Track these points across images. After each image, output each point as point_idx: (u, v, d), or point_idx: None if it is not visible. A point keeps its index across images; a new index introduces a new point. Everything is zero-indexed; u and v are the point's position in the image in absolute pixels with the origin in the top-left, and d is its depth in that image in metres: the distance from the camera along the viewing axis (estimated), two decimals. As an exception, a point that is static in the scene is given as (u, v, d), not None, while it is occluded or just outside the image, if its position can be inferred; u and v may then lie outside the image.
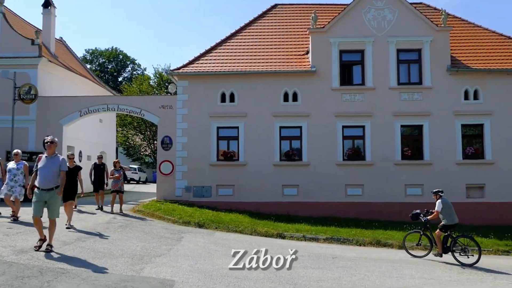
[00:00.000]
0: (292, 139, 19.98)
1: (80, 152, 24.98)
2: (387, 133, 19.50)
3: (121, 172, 16.27)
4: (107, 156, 28.46)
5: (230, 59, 21.07)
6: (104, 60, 71.81)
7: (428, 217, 12.15)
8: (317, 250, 12.11)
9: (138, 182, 42.65)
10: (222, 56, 21.36)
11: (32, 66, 21.88)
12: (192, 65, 20.75)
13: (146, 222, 14.49)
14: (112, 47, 71.85)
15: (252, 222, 15.65)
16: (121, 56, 72.67)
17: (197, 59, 21.15)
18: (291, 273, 8.77)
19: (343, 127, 19.73)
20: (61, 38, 32.14)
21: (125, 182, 41.18)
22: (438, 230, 11.82)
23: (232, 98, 20.15)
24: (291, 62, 20.67)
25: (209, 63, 20.85)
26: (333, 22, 20.01)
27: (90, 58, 71.54)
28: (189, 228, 14.24)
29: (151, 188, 28.56)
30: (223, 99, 20.17)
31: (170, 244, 10.89)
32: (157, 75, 51.60)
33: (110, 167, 17.32)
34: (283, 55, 21.21)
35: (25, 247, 9.15)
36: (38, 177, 8.87)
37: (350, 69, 20.37)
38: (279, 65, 20.39)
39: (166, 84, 42.11)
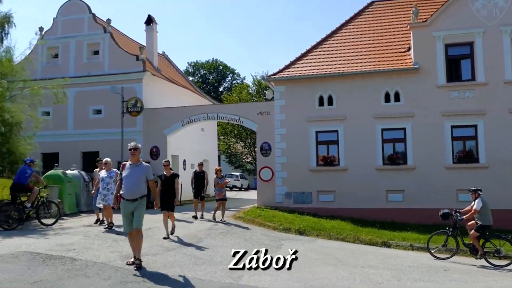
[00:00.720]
0: (395, 141, 18.92)
1: (184, 161, 25.84)
2: (504, 132, 17.63)
3: (224, 180, 16.30)
4: (210, 164, 29.19)
5: (326, 61, 20.56)
6: (205, 71, 74.50)
7: (464, 216, 11.62)
8: (426, 260, 11.19)
9: (240, 189, 43.46)
10: (318, 58, 20.92)
11: (137, 81, 23.09)
12: (288, 70, 20.56)
13: (246, 228, 14.44)
14: (213, 58, 74.33)
15: (355, 230, 14.97)
16: (221, 67, 74.95)
17: (293, 63, 20.93)
18: (399, 285, 8.10)
19: (452, 127, 18.26)
20: (164, 52, 33.72)
21: (227, 189, 42.21)
22: (473, 231, 11.31)
23: (330, 101, 19.61)
24: (392, 60, 19.64)
25: (306, 67, 20.52)
26: (436, 14, 18.69)
27: (192, 70, 74.63)
28: (289, 235, 13.94)
29: (253, 194, 28.73)
30: (321, 103, 19.70)
31: (269, 252, 10.63)
32: (255, 82, 52.33)
33: (211, 174, 17.57)
34: (382, 53, 20.25)
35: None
36: (123, 186, 8.22)
37: (457, 63, 18.88)
38: (378, 64, 19.48)
39: (265, 91, 42.49)
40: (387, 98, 19.00)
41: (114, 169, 13.35)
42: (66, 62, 24.40)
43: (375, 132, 18.94)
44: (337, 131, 19.40)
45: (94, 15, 24.77)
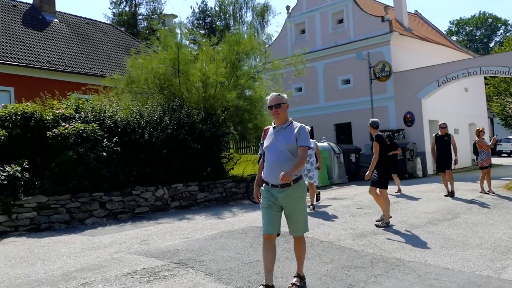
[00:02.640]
0: None
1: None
2: None
3: (487, 143, 13.38)
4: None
5: None
6: (471, 28, 67.12)
7: None
8: None
9: (523, 155, 37.62)
10: None
11: (384, 44, 21.45)
12: None
13: (522, 202, 11.54)
14: (480, 12, 66.42)
15: None
16: (490, 20, 66.41)
17: None
18: None
19: None
20: (416, 11, 30.95)
21: (505, 155, 36.78)
22: None
23: None
24: None
25: None
26: None
27: (455, 29, 68.21)
28: None
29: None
30: None
31: (554, 233, 7.96)
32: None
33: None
34: None
35: (366, 230, 8.21)
36: (264, 164, 5.07)
37: None
38: None
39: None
40: None
41: (313, 140, 11.35)
42: (313, 36, 24.36)
43: None
44: None
45: (333, -18, 24.07)
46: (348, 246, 7.06)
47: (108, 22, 44.74)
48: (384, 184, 8.68)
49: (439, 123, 12.98)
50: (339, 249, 6.90)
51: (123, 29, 45.20)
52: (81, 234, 8.88)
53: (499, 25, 66.74)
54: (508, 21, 66.98)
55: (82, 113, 11.43)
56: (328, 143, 18.63)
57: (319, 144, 18.30)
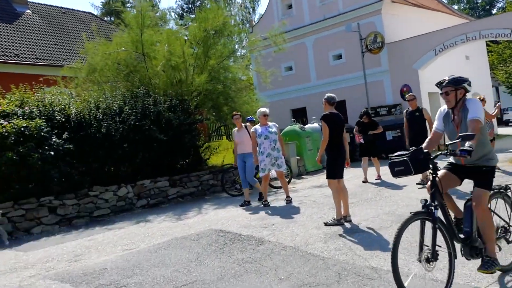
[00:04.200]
0: None
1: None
2: None
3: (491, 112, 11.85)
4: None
5: None
6: (474, -5, 64.83)
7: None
8: None
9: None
10: None
11: (375, 13, 19.87)
12: None
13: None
14: (480, -23, 64.11)
15: None
16: (502, -15, 63.91)
17: None
18: None
19: None
20: (413, -22, 29.16)
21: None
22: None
23: None
24: None
25: None
26: None
27: (456, -5, 65.87)
28: None
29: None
30: None
31: None
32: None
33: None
34: None
35: (343, 227, 6.89)
36: None
37: None
38: None
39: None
40: None
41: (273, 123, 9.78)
42: (301, 10, 22.78)
43: None
44: None
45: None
46: (316, 252, 5.75)
47: (95, 12, 43.20)
48: (336, 173, 7.17)
49: (407, 96, 10.85)
50: (304, 257, 5.59)
51: (112, 18, 43.71)
52: (15, 249, 7.66)
53: (504, -11, 64.47)
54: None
55: (27, 108, 10.14)
56: (318, 124, 17.20)
57: (308, 125, 17.03)
